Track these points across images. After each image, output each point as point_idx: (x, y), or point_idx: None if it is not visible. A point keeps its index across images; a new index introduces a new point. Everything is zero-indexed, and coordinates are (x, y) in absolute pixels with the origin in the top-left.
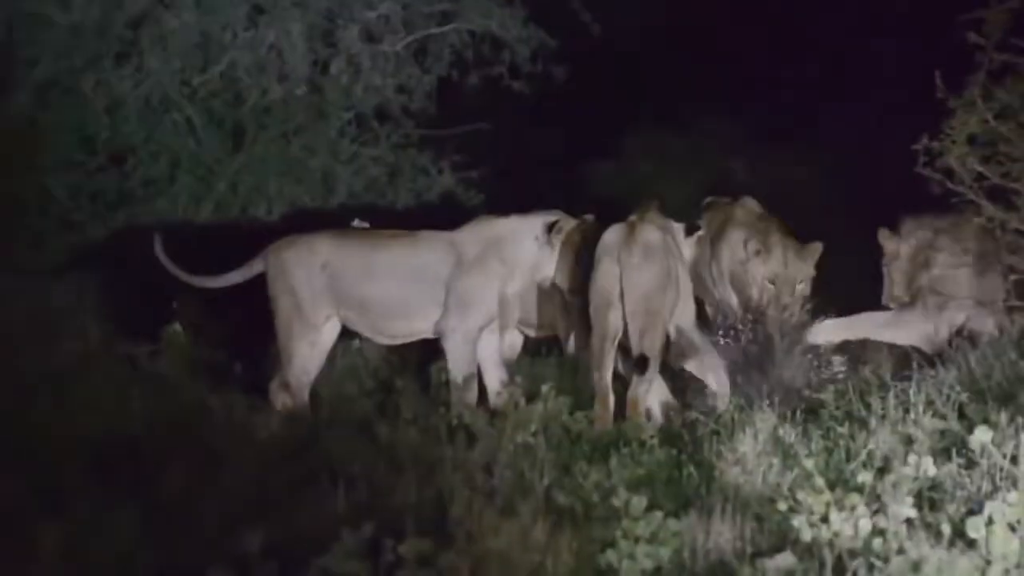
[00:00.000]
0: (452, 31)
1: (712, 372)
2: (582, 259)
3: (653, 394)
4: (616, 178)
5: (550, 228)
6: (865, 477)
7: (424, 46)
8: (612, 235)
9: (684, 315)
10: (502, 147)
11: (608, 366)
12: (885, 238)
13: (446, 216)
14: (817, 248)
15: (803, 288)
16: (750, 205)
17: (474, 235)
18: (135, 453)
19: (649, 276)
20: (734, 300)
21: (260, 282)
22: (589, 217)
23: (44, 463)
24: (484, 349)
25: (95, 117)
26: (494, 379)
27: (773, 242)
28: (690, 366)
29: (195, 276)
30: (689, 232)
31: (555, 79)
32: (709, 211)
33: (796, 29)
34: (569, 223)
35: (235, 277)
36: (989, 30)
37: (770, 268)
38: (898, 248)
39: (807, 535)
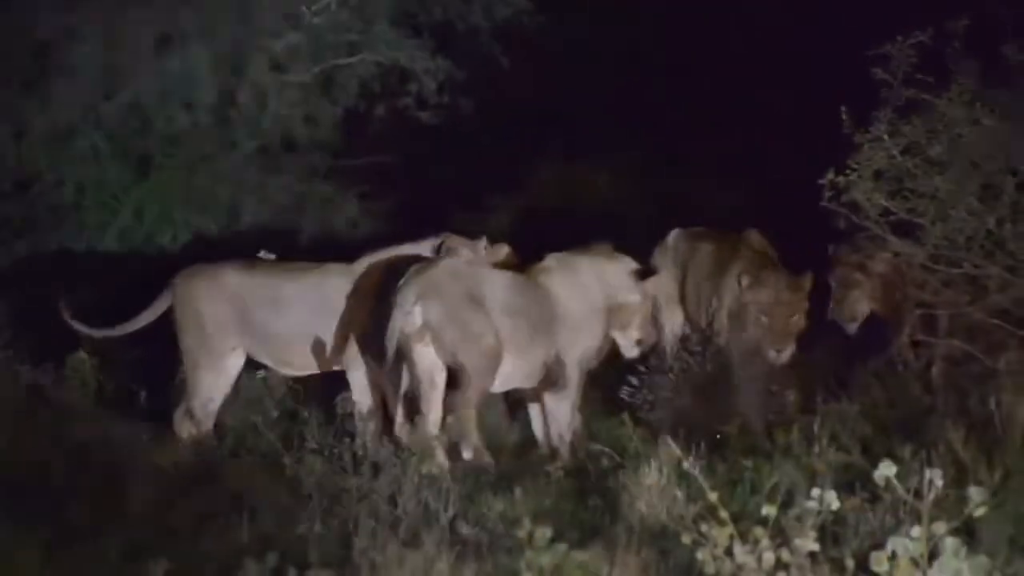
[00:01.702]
0: (359, 62)
1: (557, 414)
2: None
3: (559, 425)
4: (522, 209)
5: (438, 249)
6: (769, 510)
7: (331, 76)
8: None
9: (571, 348)
10: (408, 177)
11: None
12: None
13: (352, 246)
14: (808, 279)
15: (797, 320)
16: (753, 238)
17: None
18: (39, 481)
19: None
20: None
21: (165, 310)
22: (482, 239)
23: None
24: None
25: (0, 144)
26: (399, 409)
27: (765, 274)
28: (548, 399)
29: (105, 328)
30: (643, 276)
31: (461, 110)
32: (709, 243)
33: (706, 60)
34: (457, 241)
35: (144, 319)
36: (895, 65)
37: (763, 299)
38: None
39: (711, 568)
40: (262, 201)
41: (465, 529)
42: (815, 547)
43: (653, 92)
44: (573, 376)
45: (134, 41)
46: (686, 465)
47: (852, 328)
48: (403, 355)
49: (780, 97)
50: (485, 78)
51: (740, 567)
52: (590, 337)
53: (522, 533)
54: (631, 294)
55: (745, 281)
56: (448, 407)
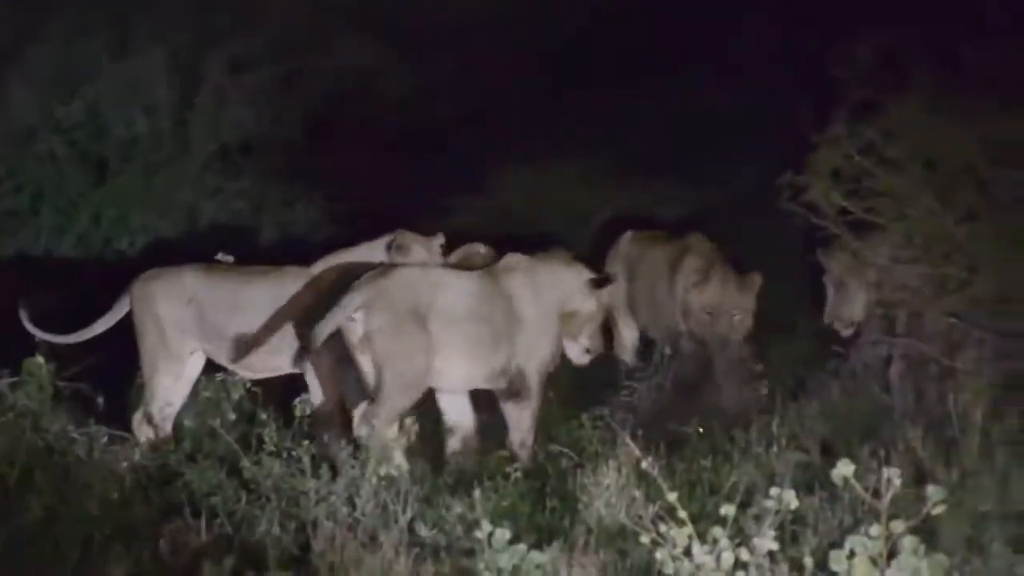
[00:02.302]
0: (318, 63)
1: (518, 420)
2: None
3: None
4: (486, 211)
5: (389, 247)
6: (728, 510)
7: (291, 78)
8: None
9: (530, 354)
10: (370, 180)
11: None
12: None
13: (313, 249)
14: (756, 280)
15: (741, 319)
16: (699, 241)
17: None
18: None
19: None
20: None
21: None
22: (438, 236)
23: None
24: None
25: None
26: (359, 411)
27: (712, 273)
28: (508, 407)
29: (63, 334)
30: (599, 284)
31: (424, 112)
32: (661, 246)
33: (663, 62)
34: (409, 239)
35: (102, 324)
36: (853, 66)
37: (707, 299)
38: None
39: (670, 568)
40: (221, 204)
41: (423, 531)
42: (774, 546)
43: (617, 95)
44: (533, 382)
45: (92, 44)
46: (645, 465)
47: (848, 332)
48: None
49: (740, 98)
50: (448, 80)
51: (699, 567)
52: (549, 343)
53: (481, 535)
54: (585, 302)
55: (692, 280)
56: (365, 420)
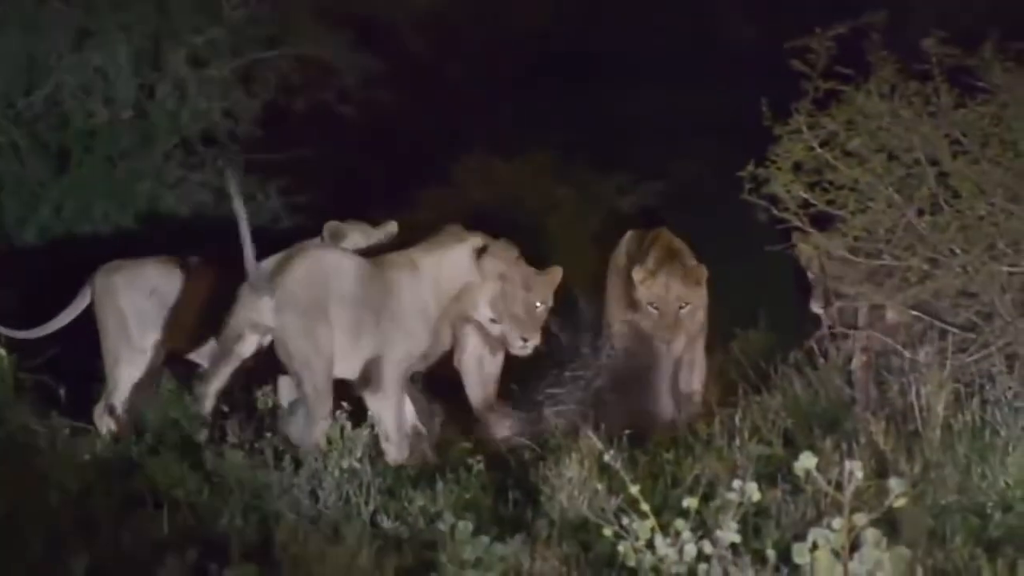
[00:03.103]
0: (279, 55)
1: (388, 416)
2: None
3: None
4: (443, 203)
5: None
6: (690, 503)
7: (251, 70)
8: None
9: (392, 349)
10: (329, 171)
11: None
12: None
13: (275, 241)
14: (702, 273)
15: (688, 311)
16: (663, 235)
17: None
18: None
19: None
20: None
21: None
22: (392, 224)
23: None
24: None
25: None
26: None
27: (658, 267)
28: (369, 400)
29: (26, 329)
30: (479, 253)
31: (382, 104)
32: (631, 242)
33: (627, 52)
34: (343, 228)
35: (64, 318)
36: (814, 57)
37: (653, 292)
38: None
39: (632, 560)
40: (182, 196)
41: (386, 523)
42: (737, 539)
43: (575, 86)
44: (389, 375)
45: (53, 35)
46: (607, 458)
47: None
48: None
49: (700, 91)
50: (406, 71)
51: (661, 560)
52: (412, 340)
53: (444, 527)
54: (467, 276)
55: (638, 275)
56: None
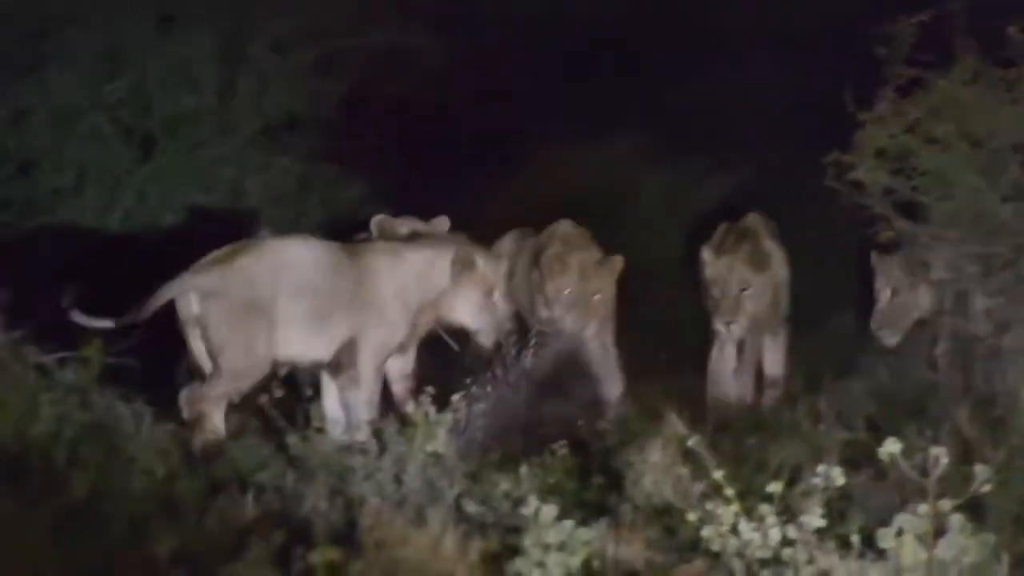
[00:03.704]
0: (360, 43)
1: (361, 404)
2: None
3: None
4: (524, 190)
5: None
6: (775, 487)
7: (333, 57)
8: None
9: (367, 335)
10: (411, 157)
11: None
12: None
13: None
14: (617, 263)
15: (599, 300)
16: (564, 227)
17: None
18: (44, 458)
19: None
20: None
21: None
22: (443, 219)
23: None
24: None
25: (2, 127)
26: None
27: (570, 258)
28: (345, 391)
29: (120, 316)
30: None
31: (462, 91)
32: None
33: (704, 40)
34: (403, 223)
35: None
36: (897, 44)
37: (564, 283)
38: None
39: (716, 545)
40: (266, 182)
41: (471, 507)
42: (821, 524)
43: (658, 74)
44: (366, 364)
45: (136, 22)
46: (691, 443)
47: (893, 342)
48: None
49: (784, 76)
50: (486, 59)
51: (746, 544)
52: (388, 327)
53: (527, 511)
54: (443, 278)
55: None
56: (194, 400)
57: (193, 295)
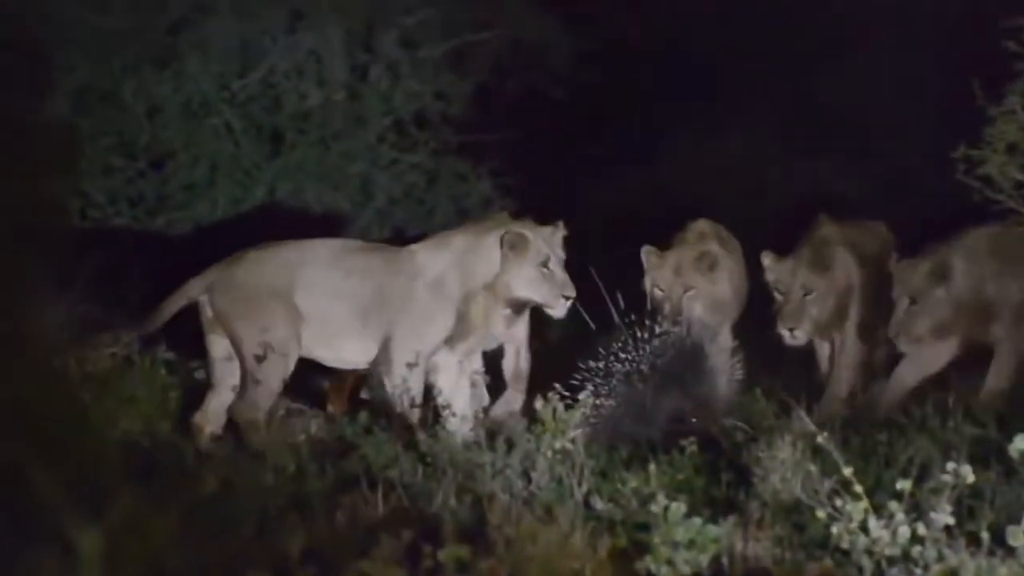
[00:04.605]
0: (491, 37)
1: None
2: None
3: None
4: (654, 184)
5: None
6: (904, 484)
7: (462, 52)
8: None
9: (404, 333)
10: (540, 153)
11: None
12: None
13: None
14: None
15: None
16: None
17: None
18: (172, 453)
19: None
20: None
21: None
22: (559, 225)
23: (83, 464)
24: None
25: (134, 122)
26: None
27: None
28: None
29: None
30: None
31: (592, 84)
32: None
33: (833, 37)
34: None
35: None
36: None
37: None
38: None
39: (845, 542)
40: (395, 178)
41: (599, 504)
42: (951, 521)
43: (781, 66)
44: (397, 359)
45: (267, 17)
46: (820, 439)
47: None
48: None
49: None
50: (616, 52)
51: (875, 542)
52: (429, 324)
53: (656, 508)
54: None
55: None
56: (233, 415)
57: (204, 298)
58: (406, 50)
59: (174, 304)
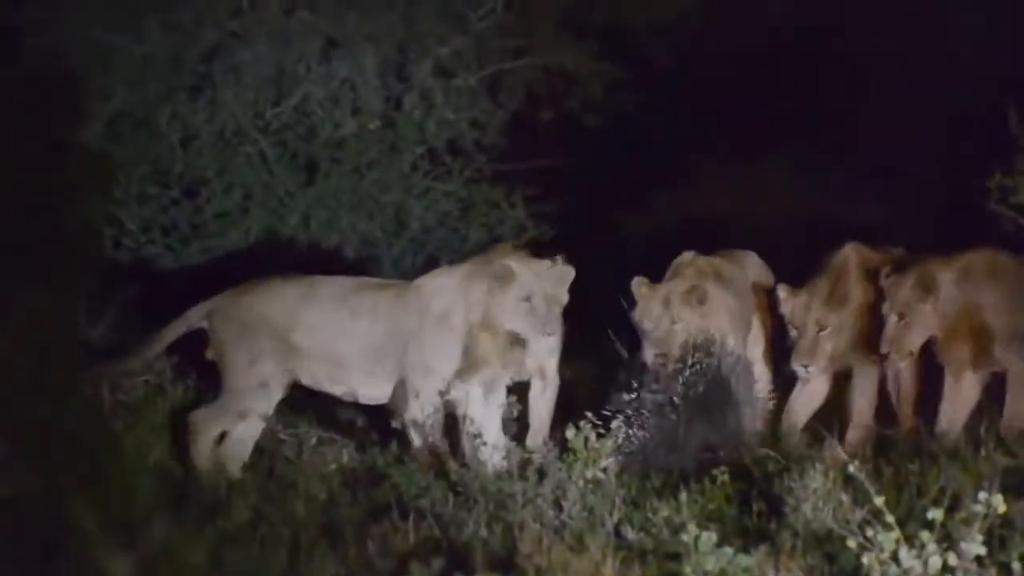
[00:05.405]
0: (524, 65)
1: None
2: None
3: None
4: (690, 210)
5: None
6: (935, 514)
7: (497, 80)
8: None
9: (412, 366)
10: (574, 181)
11: None
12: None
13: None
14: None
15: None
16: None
17: None
18: (206, 483)
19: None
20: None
21: None
22: (559, 260)
23: (117, 491)
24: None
25: (169, 150)
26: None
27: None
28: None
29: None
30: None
31: (626, 112)
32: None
33: (871, 65)
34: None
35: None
36: None
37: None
38: None
39: (876, 572)
40: (428, 206)
41: (630, 534)
42: (982, 551)
43: (814, 89)
44: (411, 394)
45: (301, 46)
46: (851, 469)
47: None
48: None
49: (950, 99)
50: (649, 79)
51: (906, 572)
52: (438, 356)
53: (687, 537)
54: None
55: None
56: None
57: (204, 324)
58: (440, 78)
59: (174, 331)
